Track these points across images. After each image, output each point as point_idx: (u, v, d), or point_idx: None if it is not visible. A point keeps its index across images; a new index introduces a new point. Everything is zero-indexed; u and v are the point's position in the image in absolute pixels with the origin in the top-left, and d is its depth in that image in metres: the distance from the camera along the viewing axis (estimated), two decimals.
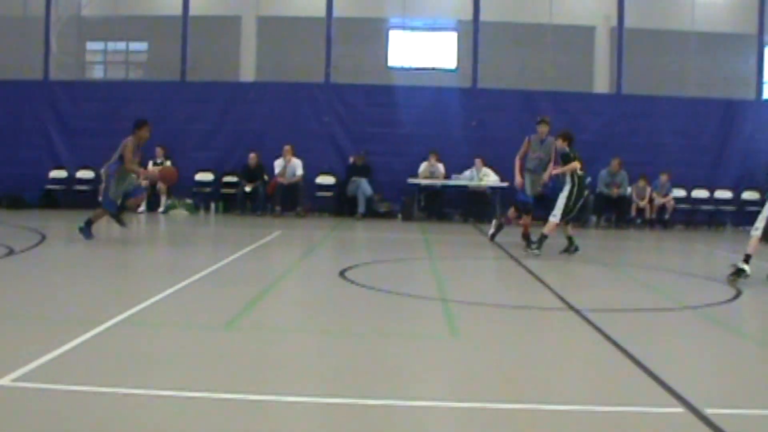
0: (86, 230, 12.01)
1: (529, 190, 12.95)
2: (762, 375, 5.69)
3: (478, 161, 18.73)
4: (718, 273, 10.49)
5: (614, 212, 19.10)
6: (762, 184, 19.06)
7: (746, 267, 9.72)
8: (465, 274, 10.97)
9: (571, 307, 7.71)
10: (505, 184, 18.25)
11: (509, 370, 5.48)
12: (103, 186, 12.85)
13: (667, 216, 18.80)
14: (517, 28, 20.38)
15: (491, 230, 14.08)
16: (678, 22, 20.36)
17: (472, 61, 19.78)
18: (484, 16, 19.79)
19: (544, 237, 12.22)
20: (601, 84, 20.51)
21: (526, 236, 12.78)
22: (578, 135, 18.25)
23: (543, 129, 13.02)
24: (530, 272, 10.35)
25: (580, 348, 6.29)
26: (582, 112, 19.20)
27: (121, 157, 11.86)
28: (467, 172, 18.87)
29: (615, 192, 18.60)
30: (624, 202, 18.87)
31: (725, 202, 19.44)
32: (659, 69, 20.30)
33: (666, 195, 18.79)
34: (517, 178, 13.06)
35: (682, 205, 19.22)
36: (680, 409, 4.56)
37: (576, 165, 12.13)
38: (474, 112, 19.37)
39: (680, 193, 19.27)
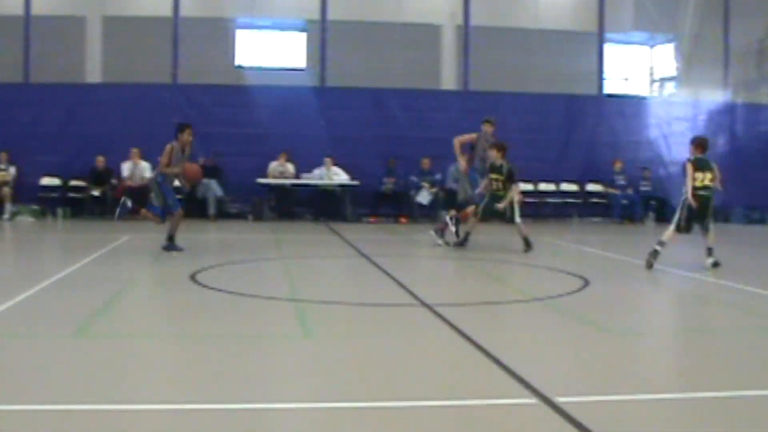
0: (172, 245, 12.00)
1: (478, 189, 13.41)
2: (607, 361, 5.95)
3: (327, 160, 19.27)
4: (565, 264, 11.15)
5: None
6: (604, 177, 20.20)
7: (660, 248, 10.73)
8: (317, 273, 11.12)
9: (423, 303, 7.87)
10: (355, 183, 18.86)
11: (364, 369, 5.53)
12: (153, 194, 12.55)
13: None
14: (364, 27, 21.01)
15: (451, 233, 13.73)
16: (522, 20, 21.37)
17: (320, 61, 20.29)
18: (331, 15, 20.34)
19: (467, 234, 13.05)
20: (448, 81, 21.32)
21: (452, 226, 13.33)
22: (426, 132, 19.21)
23: (488, 129, 13.64)
24: (382, 270, 10.52)
25: (432, 343, 6.39)
26: (430, 109, 19.97)
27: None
28: (317, 171, 19.40)
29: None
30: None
31: (571, 194, 20.49)
32: (505, 66, 21.23)
33: None
34: (462, 163, 13.68)
35: (530, 199, 20.15)
36: (533, 400, 4.71)
37: (517, 189, 13.16)
38: (323, 111, 19.87)
39: (527, 186, 20.18)
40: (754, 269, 12.13)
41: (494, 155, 12.98)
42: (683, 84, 23.37)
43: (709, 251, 11.03)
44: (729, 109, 21.46)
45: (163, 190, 12.07)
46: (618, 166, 20.06)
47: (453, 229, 13.62)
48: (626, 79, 24.28)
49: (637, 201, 19.99)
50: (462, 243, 13.24)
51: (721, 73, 21.67)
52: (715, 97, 21.60)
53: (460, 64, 20.81)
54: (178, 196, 12.72)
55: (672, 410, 4.79)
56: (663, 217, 19.83)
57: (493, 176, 12.93)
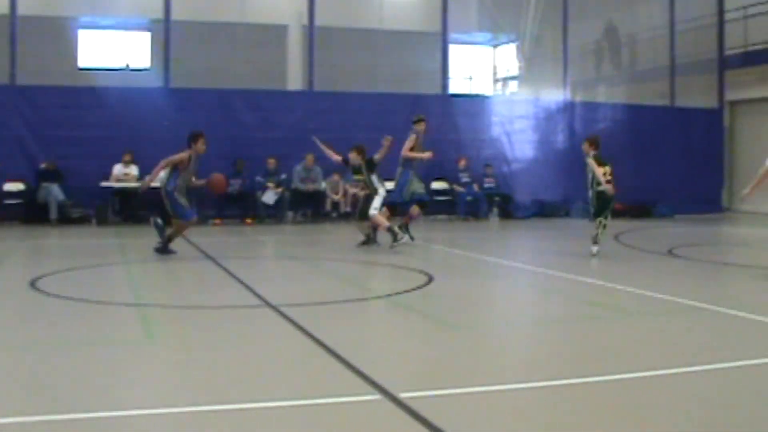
0: (165, 249, 12.41)
1: (418, 188, 14.08)
2: (450, 355, 6.22)
3: None
4: (411, 262, 11.65)
5: (310, 207, 20.36)
6: (449, 174, 21.05)
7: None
8: (161, 277, 11.11)
9: (268, 304, 8.05)
10: (201, 183, 19.06)
11: (209, 372, 5.60)
12: (168, 204, 12.48)
13: None
14: (210, 27, 21.30)
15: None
16: (367, 21, 22.07)
17: (165, 61, 20.43)
18: (176, 15, 20.43)
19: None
20: (294, 81, 21.82)
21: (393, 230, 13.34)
22: (272, 132, 19.64)
23: (421, 127, 14.16)
24: (227, 272, 10.69)
25: (277, 344, 6.54)
26: (276, 109, 20.39)
27: (176, 172, 12.24)
28: (162, 173, 19.49)
29: (310, 187, 19.92)
30: (319, 196, 20.26)
31: None
32: (350, 66, 21.89)
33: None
34: (427, 154, 14.12)
35: None
36: (377, 396, 4.89)
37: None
38: (168, 111, 19.96)
39: None
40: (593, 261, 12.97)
41: (354, 157, 13.65)
42: (525, 83, 24.59)
43: (596, 239, 12.29)
44: (568, 107, 22.63)
45: (174, 199, 12.30)
46: (462, 163, 20.91)
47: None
48: (470, 79, 25.34)
49: (482, 198, 20.90)
50: (367, 242, 13.85)
51: (560, 73, 22.80)
52: (554, 95, 22.76)
53: (305, 65, 21.27)
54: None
55: (516, 401, 5.07)
56: (507, 213, 20.88)
57: (357, 177, 13.61)
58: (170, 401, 4.95)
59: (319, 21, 21.08)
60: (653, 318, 7.88)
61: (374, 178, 13.60)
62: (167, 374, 5.67)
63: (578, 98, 23.27)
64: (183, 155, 12.33)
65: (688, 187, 22.95)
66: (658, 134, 22.82)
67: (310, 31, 21.12)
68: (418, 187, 14.25)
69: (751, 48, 25.00)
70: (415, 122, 14.52)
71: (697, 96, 24.28)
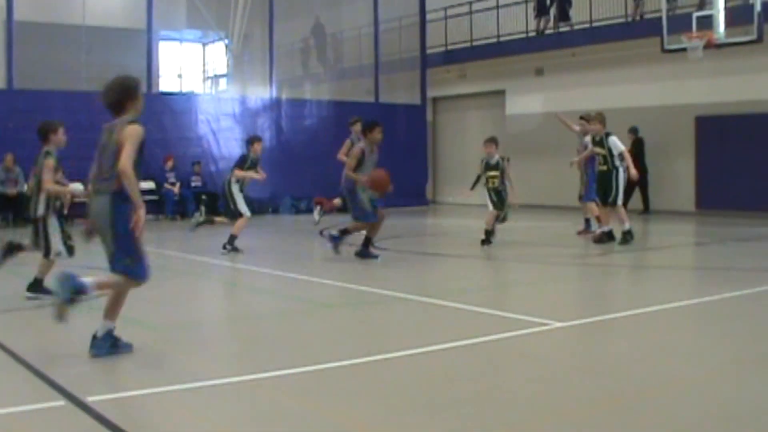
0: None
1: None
2: (144, 356, 6.43)
3: None
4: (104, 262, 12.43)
5: (12, 210, 20.49)
6: (156, 174, 22.24)
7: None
8: None
9: None
10: None
11: None
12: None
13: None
14: None
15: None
16: (70, 17, 22.80)
17: None
18: None
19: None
20: None
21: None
22: None
23: (357, 128, 15.07)
24: None
25: None
26: None
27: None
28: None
29: (11, 190, 20.41)
30: (23, 199, 20.74)
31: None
32: (53, 63, 22.56)
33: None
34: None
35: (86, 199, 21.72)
36: (61, 402, 5.03)
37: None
38: None
39: (80, 186, 21.70)
40: (294, 256, 14.41)
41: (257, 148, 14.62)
42: (234, 81, 26.30)
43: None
44: (275, 105, 24.49)
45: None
46: (170, 162, 22.09)
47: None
48: (180, 77, 26.75)
49: (189, 197, 22.26)
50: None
51: (268, 71, 24.65)
52: (263, 93, 24.57)
53: (4, 61, 21.67)
54: None
55: (210, 397, 5.38)
56: (215, 212, 22.22)
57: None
58: None
59: (17, 15, 21.40)
60: (358, 309, 8.84)
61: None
62: None
63: (285, 96, 25.06)
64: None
65: (394, 181, 25.20)
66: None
67: (8, 26, 21.47)
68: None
69: (451, 47, 28.08)
70: (351, 124, 16.33)
71: (400, 93, 26.88)
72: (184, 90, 25.49)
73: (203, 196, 22.33)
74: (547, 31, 25.11)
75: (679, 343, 7.29)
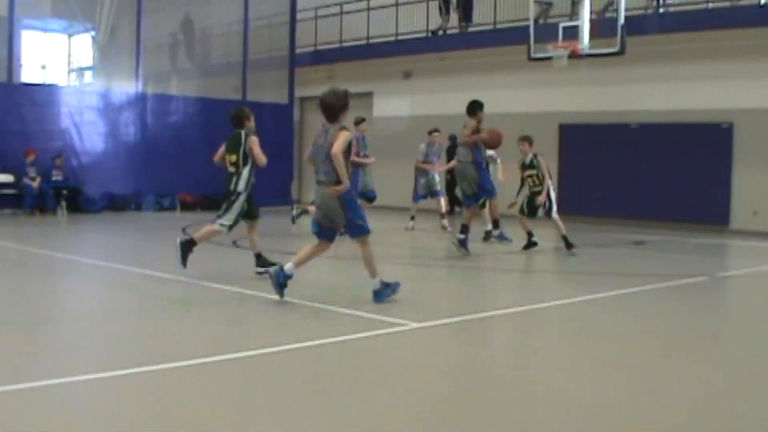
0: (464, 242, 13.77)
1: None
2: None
3: None
4: None
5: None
6: (15, 166, 21.88)
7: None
8: None
9: None
10: None
11: None
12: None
13: None
14: None
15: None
16: None
17: None
18: None
19: None
20: None
21: None
22: None
23: (364, 127, 16.82)
24: None
25: None
26: None
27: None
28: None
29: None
30: None
31: None
32: None
33: None
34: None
35: None
36: None
37: None
38: None
39: None
40: (154, 253, 14.54)
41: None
42: (99, 74, 26.06)
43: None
44: (140, 99, 24.37)
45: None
46: (30, 156, 21.69)
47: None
48: (44, 67, 26.36)
49: (49, 191, 21.98)
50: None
51: (134, 64, 24.54)
52: (129, 87, 24.44)
53: None
54: None
55: (60, 396, 5.51)
56: (76, 207, 22.18)
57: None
58: None
59: None
60: (216, 307, 9.01)
61: None
62: None
63: (152, 90, 24.96)
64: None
65: (258, 180, 25.52)
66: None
67: None
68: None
69: (320, 47, 28.54)
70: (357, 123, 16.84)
71: (268, 91, 27.15)
72: (48, 81, 24.96)
73: (64, 191, 22.17)
74: (418, 36, 25.66)
75: (532, 343, 7.71)
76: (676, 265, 13.37)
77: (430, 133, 19.04)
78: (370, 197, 17.37)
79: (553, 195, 14.30)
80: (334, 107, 8.91)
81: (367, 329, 7.75)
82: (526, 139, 14.25)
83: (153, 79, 25.37)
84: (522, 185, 14.72)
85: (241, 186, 10.78)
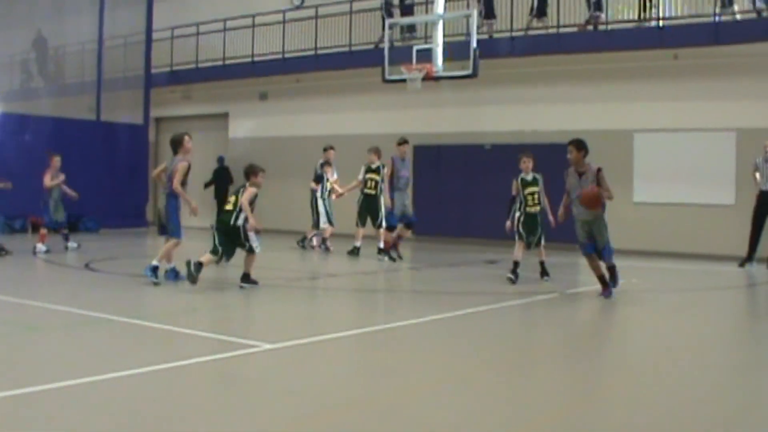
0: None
1: (399, 210, 17.23)
2: None
3: None
4: None
5: None
6: None
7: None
8: None
9: None
10: None
11: None
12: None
13: None
14: None
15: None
16: None
17: None
18: None
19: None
20: None
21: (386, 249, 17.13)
22: None
23: (404, 149, 17.83)
24: None
25: None
26: None
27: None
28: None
29: None
30: None
31: None
32: None
33: None
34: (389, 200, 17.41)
35: None
36: None
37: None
38: None
39: None
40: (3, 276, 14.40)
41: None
42: None
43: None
44: None
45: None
46: None
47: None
48: None
49: None
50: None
51: None
52: None
53: None
54: None
55: None
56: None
57: None
58: None
59: None
60: (65, 331, 8.89)
61: None
62: None
63: (2, 110, 24.71)
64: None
65: (113, 201, 25.65)
66: (84, 148, 24.98)
67: None
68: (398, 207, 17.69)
69: (176, 67, 28.87)
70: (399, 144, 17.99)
71: (123, 111, 27.32)
72: None
73: None
74: (274, 57, 26.25)
75: (384, 363, 7.84)
76: (528, 283, 14.07)
77: (370, 150, 18.37)
78: (410, 221, 17.93)
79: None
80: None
81: (218, 351, 7.87)
82: (529, 157, 14.08)
83: (3, 98, 25.14)
84: (512, 203, 14.28)
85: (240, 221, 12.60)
